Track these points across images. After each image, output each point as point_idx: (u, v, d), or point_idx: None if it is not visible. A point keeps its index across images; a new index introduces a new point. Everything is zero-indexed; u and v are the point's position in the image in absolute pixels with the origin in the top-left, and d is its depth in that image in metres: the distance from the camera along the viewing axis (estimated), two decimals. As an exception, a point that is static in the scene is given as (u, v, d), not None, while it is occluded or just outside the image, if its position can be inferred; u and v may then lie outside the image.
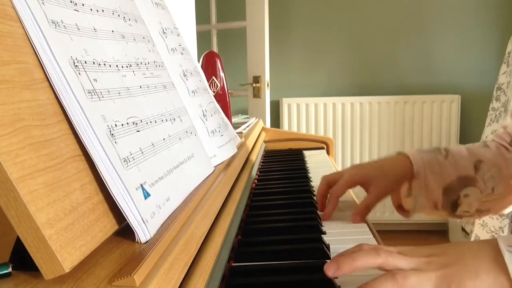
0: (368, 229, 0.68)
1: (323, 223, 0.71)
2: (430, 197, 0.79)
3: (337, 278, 0.50)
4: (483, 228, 2.05)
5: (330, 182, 0.79)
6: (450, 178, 0.78)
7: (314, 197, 0.85)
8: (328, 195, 0.78)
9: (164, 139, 0.49)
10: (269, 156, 1.35)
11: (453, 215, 0.80)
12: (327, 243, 0.61)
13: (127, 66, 0.47)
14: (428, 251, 0.49)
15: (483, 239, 0.70)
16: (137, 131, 0.44)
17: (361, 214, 0.72)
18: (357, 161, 2.77)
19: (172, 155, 0.50)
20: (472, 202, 0.78)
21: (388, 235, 0.85)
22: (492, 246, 0.48)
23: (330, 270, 0.48)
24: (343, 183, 0.77)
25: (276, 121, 2.83)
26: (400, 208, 0.81)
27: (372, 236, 0.65)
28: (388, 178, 0.77)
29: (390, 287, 0.45)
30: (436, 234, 2.75)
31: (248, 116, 2.06)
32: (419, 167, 0.78)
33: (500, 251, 0.47)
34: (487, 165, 0.79)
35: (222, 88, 1.28)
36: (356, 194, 0.90)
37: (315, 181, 1.00)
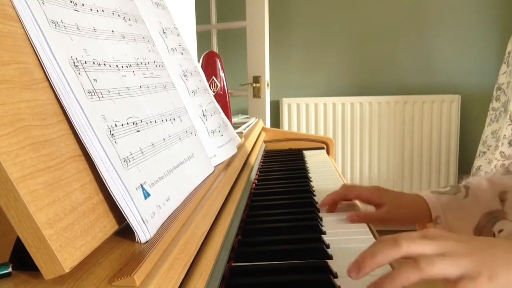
0: (368, 229, 0.68)
1: (323, 223, 0.71)
2: None
3: (360, 278, 0.45)
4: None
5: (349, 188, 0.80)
6: (476, 217, 0.73)
7: (314, 197, 0.85)
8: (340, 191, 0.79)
9: (164, 139, 0.49)
10: (269, 156, 1.35)
11: None
12: (327, 243, 0.61)
13: (127, 66, 0.47)
14: (455, 236, 0.46)
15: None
16: (137, 131, 0.44)
17: (360, 217, 0.72)
18: (357, 161, 2.77)
19: (172, 155, 0.50)
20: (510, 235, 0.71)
21: (387, 234, 0.85)
22: None
23: (353, 272, 0.45)
24: (357, 190, 0.78)
25: (276, 121, 2.83)
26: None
27: (372, 236, 0.65)
28: (401, 210, 0.76)
29: (414, 276, 0.41)
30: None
31: (248, 116, 2.06)
32: (437, 210, 0.74)
33: None
34: None
35: (222, 88, 1.28)
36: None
37: (315, 181, 1.00)
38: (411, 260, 0.43)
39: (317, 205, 0.79)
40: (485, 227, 0.72)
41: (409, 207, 0.77)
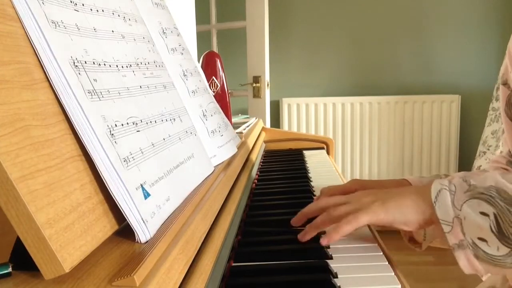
0: (367, 227, 0.68)
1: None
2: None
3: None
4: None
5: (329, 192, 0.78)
6: None
7: (314, 197, 0.85)
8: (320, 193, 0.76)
9: (164, 139, 0.49)
10: (269, 156, 1.35)
11: None
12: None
13: (127, 66, 0.47)
14: (368, 191, 0.61)
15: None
16: (137, 131, 0.44)
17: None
18: (357, 161, 2.77)
19: (172, 155, 0.50)
20: None
21: (388, 235, 0.85)
22: (425, 185, 0.57)
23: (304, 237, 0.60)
24: (341, 188, 0.74)
25: (276, 121, 2.83)
26: (411, 240, 0.79)
27: (371, 233, 0.65)
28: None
29: (324, 217, 0.59)
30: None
31: (248, 116, 2.06)
32: None
33: (430, 184, 0.55)
34: None
35: (222, 88, 1.28)
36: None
37: (315, 181, 1.00)
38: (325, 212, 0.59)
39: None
40: None
41: (393, 187, 0.77)
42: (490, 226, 0.49)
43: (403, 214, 0.55)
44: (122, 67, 0.46)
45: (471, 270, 0.51)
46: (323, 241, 0.57)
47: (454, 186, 0.53)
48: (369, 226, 0.71)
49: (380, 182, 0.79)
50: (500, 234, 0.48)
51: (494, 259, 0.49)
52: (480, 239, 0.49)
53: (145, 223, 0.38)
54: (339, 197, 0.62)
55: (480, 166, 2.37)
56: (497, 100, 2.32)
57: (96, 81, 0.40)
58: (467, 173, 0.55)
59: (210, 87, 1.24)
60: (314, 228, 0.60)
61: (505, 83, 0.77)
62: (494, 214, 0.49)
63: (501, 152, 0.87)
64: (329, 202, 0.62)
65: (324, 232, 0.60)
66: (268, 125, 2.49)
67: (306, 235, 0.60)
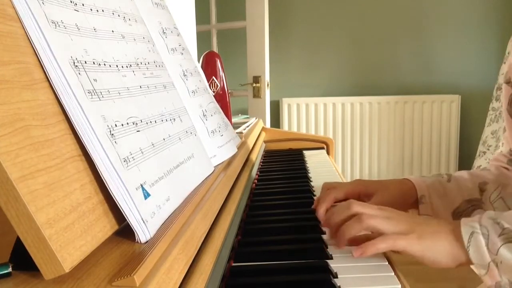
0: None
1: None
2: None
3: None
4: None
5: (331, 188, 0.78)
6: (457, 201, 0.78)
7: (314, 197, 0.85)
8: (323, 195, 0.76)
9: (164, 139, 0.49)
10: (269, 156, 1.35)
11: None
12: (327, 243, 0.61)
13: (127, 66, 0.47)
14: (397, 211, 0.60)
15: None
16: (137, 131, 0.44)
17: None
18: (357, 161, 2.77)
19: (172, 155, 0.50)
20: None
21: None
22: (453, 222, 0.57)
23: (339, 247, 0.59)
24: (344, 188, 0.76)
25: (276, 121, 2.83)
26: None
27: (371, 233, 0.65)
28: (390, 192, 0.77)
29: (357, 226, 0.58)
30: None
31: (248, 116, 2.06)
32: (423, 190, 0.78)
33: (459, 225, 0.54)
34: (491, 186, 0.79)
35: (222, 88, 1.28)
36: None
37: (315, 181, 1.00)
38: (356, 218, 0.58)
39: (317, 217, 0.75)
40: (463, 212, 0.78)
41: (396, 188, 0.78)
42: None
43: (434, 254, 0.54)
44: (122, 67, 0.46)
45: None
46: (356, 253, 0.55)
47: (486, 229, 0.53)
48: None
49: (382, 183, 0.79)
50: None
51: None
52: None
53: (145, 223, 0.38)
54: (378, 210, 0.60)
55: (480, 166, 2.37)
56: (497, 100, 2.32)
57: (96, 81, 0.40)
58: (496, 214, 0.55)
59: (210, 87, 1.24)
60: (345, 237, 0.59)
61: (508, 82, 0.77)
62: None
63: (501, 151, 0.87)
64: (366, 212, 0.59)
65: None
66: (268, 125, 2.49)
67: (340, 243, 0.59)
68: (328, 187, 0.78)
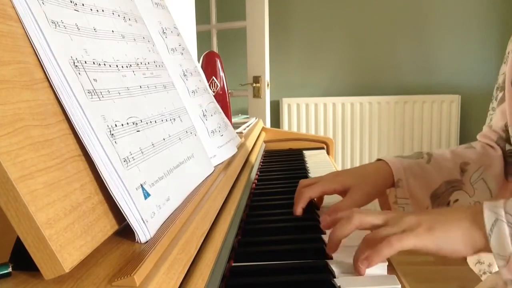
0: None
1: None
2: (418, 205, 0.75)
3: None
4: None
5: (306, 186, 0.73)
6: (436, 183, 0.75)
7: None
8: (298, 194, 0.73)
9: (164, 139, 0.49)
10: (269, 156, 1.35)
11: None
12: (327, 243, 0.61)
13: (127, 66, 0.47)
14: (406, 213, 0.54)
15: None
16: (137, 131, 0.44)
17: (330, 216, 0.65)
18: (357, 161, 2.77)
19: (172, 155, 0.50)
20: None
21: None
22: (473, 207, 0.52)
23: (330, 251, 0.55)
24: (319, 186, 0.72)
25: (276, 121, 2.83)
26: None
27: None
28: (367, 185, 0.72)
29: (347, 226, 0.53)
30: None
31: (248, 116, 2.06)
32: (399, 174, 0.74)
33: (481, 210, 0.50)
34: (473, 166, 0.76)
35: (222, 88, 1.28)
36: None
37: (315, 181, 1.00)
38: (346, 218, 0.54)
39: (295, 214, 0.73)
40: (442, 194, 0.74)
41: (372, 175, 0.74)
42: None
43: (450, 244, 0.50)
44: (122, 67, 0.46)
45: None
46: (363, 265, 0.50)
47: None
48: None
49: (358, 173, 0.75)
50: None
51: None
52: None
53: (145, 223, 0.38)
54: (373, 217, 0.54)
55: (480, 166, 2.37)
56: (497, 100, 2.32)
57: (96, 81, 0.40)
58: None
59: (210, 87, 1.24)
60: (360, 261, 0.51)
61: None
62: None
63: (491, 125, 0.82)
64: (363, 221, 0.54)
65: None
66: (268, 125, 2.49)
67: (330, 248, 0.55)
68: (304, 185, 0.74)
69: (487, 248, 0.49)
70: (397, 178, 0.74)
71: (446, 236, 0.50)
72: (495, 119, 0.82)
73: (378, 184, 0.74)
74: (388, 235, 0.50)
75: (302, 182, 0.75)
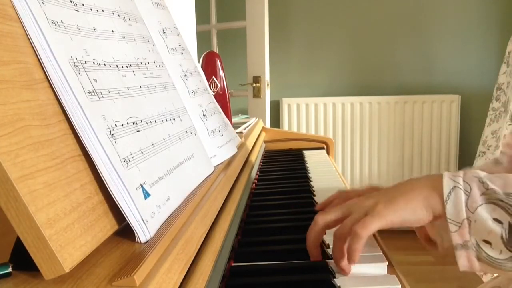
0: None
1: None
2: None
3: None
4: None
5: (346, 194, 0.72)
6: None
7: (314, 197, 0.85)
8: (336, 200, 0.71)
9: (164, 139, 0.49)
10: (269, 156, 1.35)
11: None
12: (327, 242, 0.61)
13: (127, 66, 0.47)
14: (369, 193, 0.56)
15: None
16: (137, 131, 0.44)
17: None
18: (357, 161, 2.77)
19: (172, 155, 0.50)
20: None
21: (388, 235, 0.83)
22: (435, 175, 0.53)
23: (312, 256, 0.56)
24: (360, 194, 0.72)
25: (276, 121, 2.83)
26: (428, 242, 0.77)
27: (372, 235, 0.65)
28: None
29: (337, 247, 0.52)
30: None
31: (248, 116, 2.06)
32: None
33: (441, 178, 0.51)
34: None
35: (222, 88, 1.28)
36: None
37: (315, 181, 1.00)
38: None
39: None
40: None
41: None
42: (501, 233, 0.48)
43: (412, 213, 0.51)
44: (122, 67, 0.46)
45: (469, 269, 0.51)
46: (347, 268, 0.51)
47: (469, 186, 0.50)
48: None
49: (394, 187, 0.75)
50: (509, 241, 0.48)
51: (495, 262, 0.49)
52: (485, 241, 0.49)
53: (145, 223, 0.38)
54: (334, 213, 0.55)
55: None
56: (497, 100, 2.32)
57: (96, 81, 0.40)
58: (484, 174, 0.52)
59: (210, 87, 1.24)
60: (340, 260, 0.52)
61: None
62: (509, 223, 0.48)
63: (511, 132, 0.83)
64: (327, 220, 0.55)
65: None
66: (268, 125, 2.49)
67: (346, 270, 0.53)
68: (341, 194, 0.72)
69: (443, 213, 0.51)
70: None
71: (407, 207, 0.51)
72: None
73: None
74: (353, 225, 0.51)
75: (340, 193, 0.73)
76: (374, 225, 0.50)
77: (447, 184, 0.51)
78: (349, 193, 0.72)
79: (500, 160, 0.82)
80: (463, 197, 0.50)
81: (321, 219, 0.55)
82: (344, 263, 0.52)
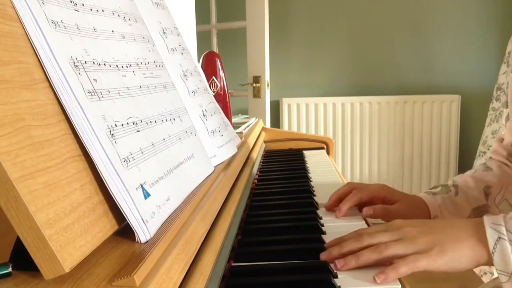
0: (365, 225, 0.68)
1: (323, 222, 0.71)
2: None
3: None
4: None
5: (356, 188, 0.77)
6: (466, 213, 0.81)
7: (314, 197, 0.85)
8: (349, 196, 0.75)
9: (164, 139, 0.49)
10: (269, 156, 1.35)
11: None
12: (327, 243, 0.61)
13: (127, 66, 0.47)
14: (413, 222, 0.58)
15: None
16: (137, 131, 0.44)
17: (376, 212, 0.73)
18: (357, 161, 2.77)
19: (172, 155, 0.50)
20: None
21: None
22: (475, 222, 0.56)
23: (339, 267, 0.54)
24: (368, 190, 0.77)
25: (276, 121, 2.83)
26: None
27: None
28: (412, 203, 0.79)
29: (373, 256, 0.53)
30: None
31: (248, 116, 2.06)
32: (435, 210, 0.80)
33: (482, 226, 0.54)
34: (495, 188, 0.81)
35: (222, 88, 1.28)
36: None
37: (315, 181, 1.00)
38: (372, 246, 0.54)
39: (325, 208, 0.77)
40: None
41: (415, 205, 0.80)
42: None
43: (459, 262, 0.53)
44: (122, 67, 0.46)
45: None
46: (379, 278, 0.51)
47: None
48: (366, 220, 0.71)
49: (404, 193, 0.80)
50: None
51: None
52: None
53: (145, 223, 0.38)
54: (384, 232, 0.56)
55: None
56: (497, 100, 2.32)
57: (96, 81, 0.40)
58: None
59: (210, 87, 1.24)
60: (356, 262, 0.53)
61: None
62: None
63: (500, 140, 0.87)
64: (376, 237, 0.56)
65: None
66: (268, 125, 2.49)
67: (345, 266, 0.53)
68: (352, 187, 0.77)
69: (490, 262, 0.53)
70: (434, 214, 0.80)
71: (456, 256, 0.53)
72: (506, 136, 0.87)
73: (418, 213, 0.80)
74: (404, 254, 0.52)
75: (350, 184, 0.79)
76: (423, 264, 0.52)
77: (491, 236, 0.53)
78: (365, 187, 0.76)
79: (490, 166, 0.86)
80: (509, 248, 0.52)
81: (385, 250, 0.54)
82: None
